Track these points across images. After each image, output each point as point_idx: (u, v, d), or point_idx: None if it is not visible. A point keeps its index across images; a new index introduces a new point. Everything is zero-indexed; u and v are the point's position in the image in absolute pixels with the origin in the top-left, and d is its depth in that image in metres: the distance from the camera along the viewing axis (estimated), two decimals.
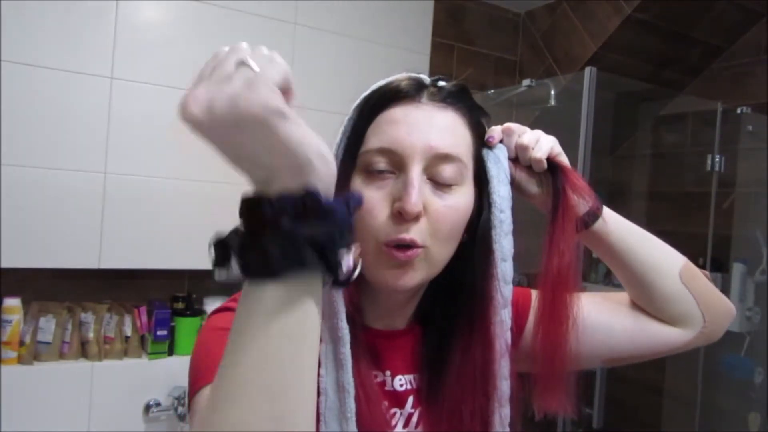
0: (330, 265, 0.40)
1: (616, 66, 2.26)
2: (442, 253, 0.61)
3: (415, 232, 0.58)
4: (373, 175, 0.60)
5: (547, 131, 0.69)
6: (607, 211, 0.71)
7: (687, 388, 2.21)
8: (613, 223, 0.71)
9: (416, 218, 0.58)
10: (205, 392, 0.53)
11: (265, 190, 0.40)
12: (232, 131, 0.38)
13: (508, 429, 0.65)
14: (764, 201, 2.06)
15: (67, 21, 1.64)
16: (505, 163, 0.66)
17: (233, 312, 0.59)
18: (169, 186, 1.80)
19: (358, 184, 0.61)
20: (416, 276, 0.60)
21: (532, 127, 0.69)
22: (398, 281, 0.60)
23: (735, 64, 2.30)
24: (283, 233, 0.38)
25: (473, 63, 2.50)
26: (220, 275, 0.40)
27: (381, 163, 0.60)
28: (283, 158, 0.39)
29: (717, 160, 2.12)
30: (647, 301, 0.74)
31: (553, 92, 2.16)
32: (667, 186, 2.46)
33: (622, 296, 0.77)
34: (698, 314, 0.73)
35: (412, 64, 2.18)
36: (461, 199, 0.61)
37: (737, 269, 2.05)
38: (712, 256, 2.13)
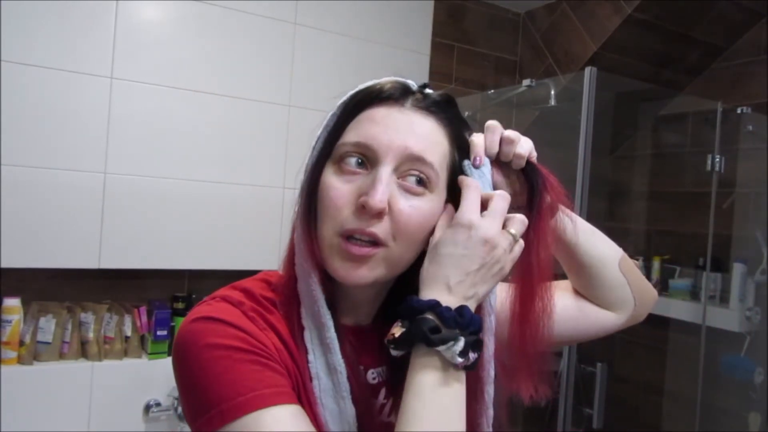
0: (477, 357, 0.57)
1: (616, 66, 2.26)
2: (403, 254, 0.61)
3: (376, 228, 0.59)
4: (344, 168, 0.61)
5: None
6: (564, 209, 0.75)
7: (687, 388, 2.20)
8: (570, 218, 0.75)
9: (379, 215, 0.58)
10: (277, 413, 0.54)
11: (442, 296, 0.57)
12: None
13: (491, 429, 0.67)
14: (764, 201, 2.06)
15: (67, 21, 1.65)
16: (489, 176, 0.65)
17: (225, 324, 0.60)
18: (169, 186, 1.80)
19: (329, 174, 0.61)
20: (371, 273, 0.60)
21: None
22: (351, 275, 0.60)
23: (735, 64, 2.30)
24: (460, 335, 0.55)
25: (473, 63, 2.50)
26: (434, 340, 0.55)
27: (354, 157, 0.60)
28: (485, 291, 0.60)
29: (717, 160, 2.12)
30: (590, 288, 0.80)
31: (553, 92, 2.16)
32: (667, 186, 2.46)
33: (565, 284, 0.83)
34: (631, 299, 0.81)
35: (412, 64, 2.20)
36: (428, 204, 0.61)
37: (737, 269, 2.05)
38: (712, 256, 2.13)
